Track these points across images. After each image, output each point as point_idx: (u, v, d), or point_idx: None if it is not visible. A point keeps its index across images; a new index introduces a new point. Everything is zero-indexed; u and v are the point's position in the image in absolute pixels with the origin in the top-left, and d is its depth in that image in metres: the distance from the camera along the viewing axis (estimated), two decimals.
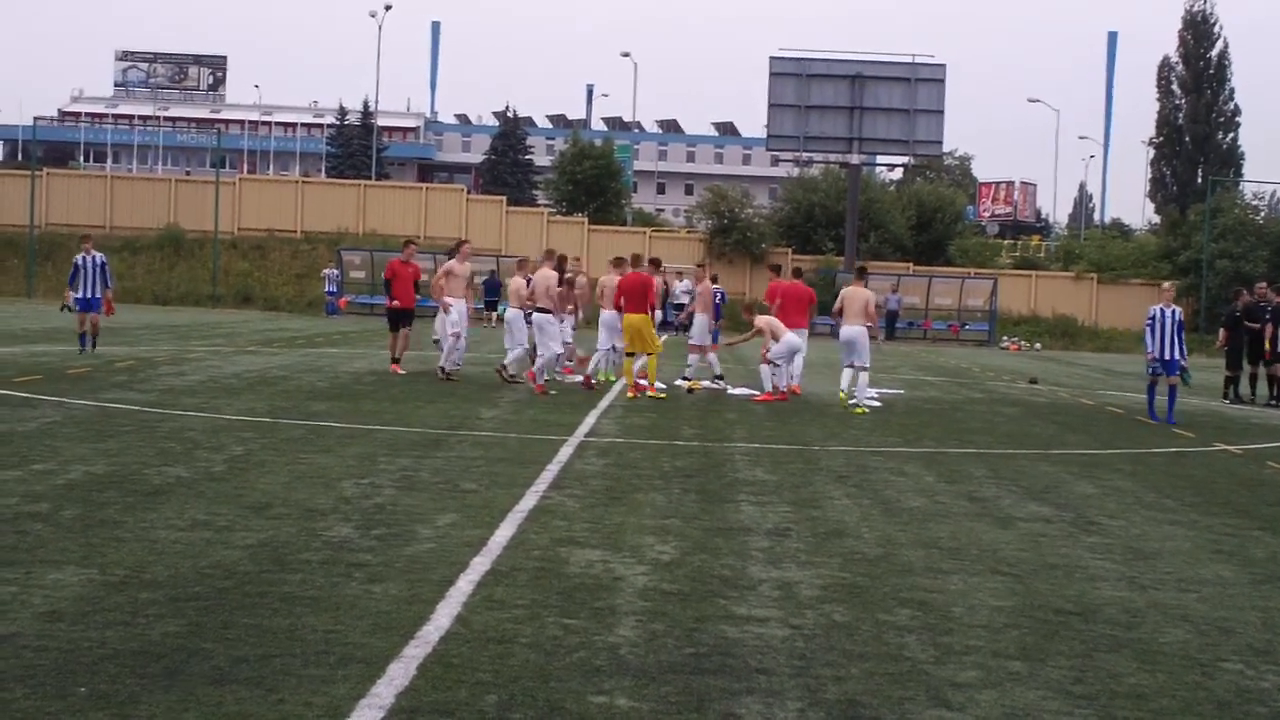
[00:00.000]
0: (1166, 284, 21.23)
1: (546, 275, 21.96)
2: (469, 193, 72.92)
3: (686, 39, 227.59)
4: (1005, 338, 58.80)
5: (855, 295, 21.12)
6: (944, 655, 6.77)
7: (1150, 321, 20.92)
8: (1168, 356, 20.66)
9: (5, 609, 6.79)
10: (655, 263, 24.99)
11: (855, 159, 61.08)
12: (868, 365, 21.02)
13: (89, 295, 24.73)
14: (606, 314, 22.33)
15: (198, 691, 5.60)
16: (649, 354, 21.19)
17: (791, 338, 21.66)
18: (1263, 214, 67.03)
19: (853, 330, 20.91)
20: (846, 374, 21.08)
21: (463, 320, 22.75)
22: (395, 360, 23.81)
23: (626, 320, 21.18)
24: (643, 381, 21.15)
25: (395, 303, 23.96)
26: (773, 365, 21.87)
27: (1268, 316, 25.84)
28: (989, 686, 6.27)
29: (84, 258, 25.05)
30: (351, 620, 6.83)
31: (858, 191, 61.44)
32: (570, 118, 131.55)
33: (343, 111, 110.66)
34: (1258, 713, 6.14)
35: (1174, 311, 20.90)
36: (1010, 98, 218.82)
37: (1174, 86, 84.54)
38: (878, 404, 21.73)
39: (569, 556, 8.65)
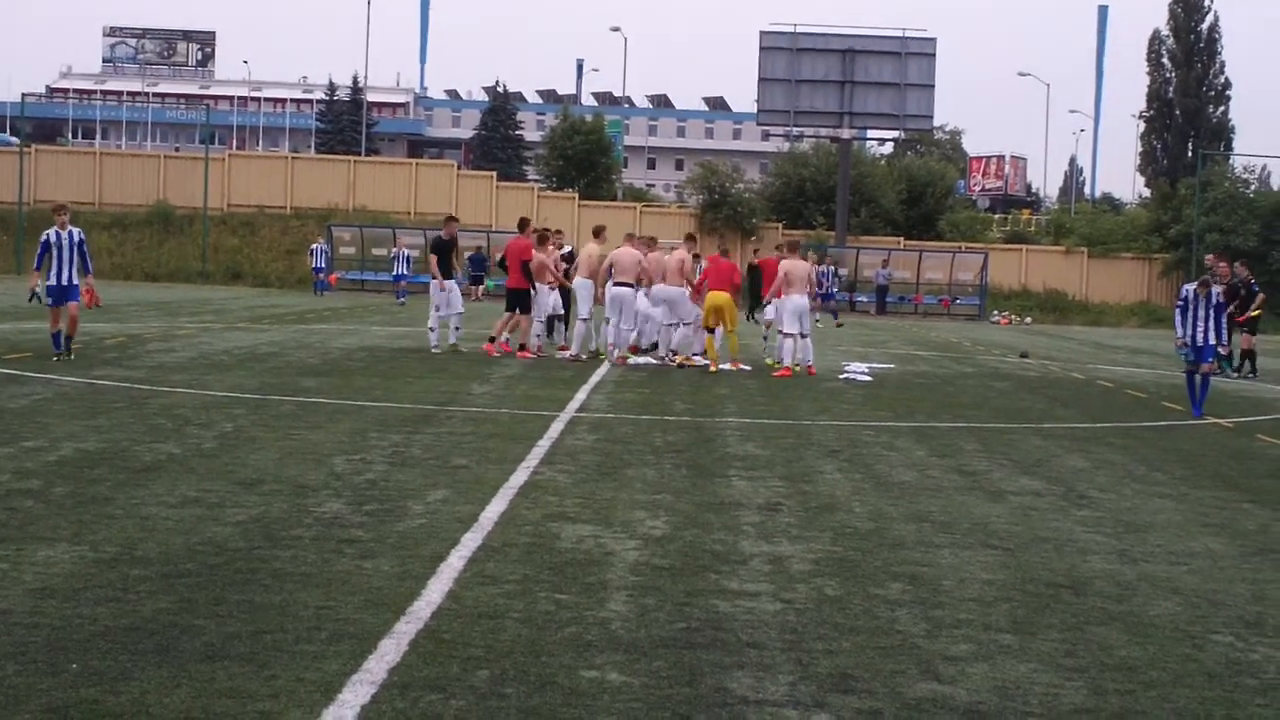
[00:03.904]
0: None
1: (629, 252, 22.62)
2: (459, 168, 72.74)
3: (677, 13, 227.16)
4: (996, 312, 58.86)
5: (798, 267, 22.44)
6: (935, 628, 6.79)
7: (1181, 303, 18.64)
8: (1201, 341, 18.26)
9: None
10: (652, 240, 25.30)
11: (846, 133, 61.08)
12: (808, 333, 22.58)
13: (63, 281, 18.81)
14: (615, 289, 22.43)
15: (189, 668, 5.60)
16: (730, 332, 22.39)
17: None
18: (1253, 187, 66.99)
19: (803, 300, 22.20)
20: (789, 342, 22.22)
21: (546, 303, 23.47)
22: (522, 347, 23.04)
23: (713, 298, 22.04)
24: (699, 359, 22.52)
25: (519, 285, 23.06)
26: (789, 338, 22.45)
27: (1242, 293, 26.26)
28: (980, 659, 6.29)
29: (56, 233, 18.84)
30: (343, 596, 6.83)
31: (848, 166, 61.43)
32: (560, 93, 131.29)
33: (332, 87, 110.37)
34: (1247, 684, 6.16)
35: (1212, 294, 18.42)
36: (1001, 71, 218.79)
37: (1164, 60, 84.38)
38: (869, 379, 21.76)
39: (560, 532, 8.65)
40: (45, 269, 18.91)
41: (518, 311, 23.01)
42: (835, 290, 48.03)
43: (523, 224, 24.12)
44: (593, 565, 7.78)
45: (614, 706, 5.38)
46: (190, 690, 5.33)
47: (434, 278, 23.39)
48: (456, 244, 24.07)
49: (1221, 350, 19.07)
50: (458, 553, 7.89)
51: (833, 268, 48.45)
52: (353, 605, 6.67)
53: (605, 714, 5.31)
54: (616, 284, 22.28)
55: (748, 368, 22.35)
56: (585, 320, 22.83)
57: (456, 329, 23.29)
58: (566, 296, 24.03)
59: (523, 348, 22.84)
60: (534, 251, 22.97)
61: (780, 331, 22.87)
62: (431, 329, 23.52)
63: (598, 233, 24.11)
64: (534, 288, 22.93)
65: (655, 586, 7.35)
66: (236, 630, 6.16)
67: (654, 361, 22.68)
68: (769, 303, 24.51)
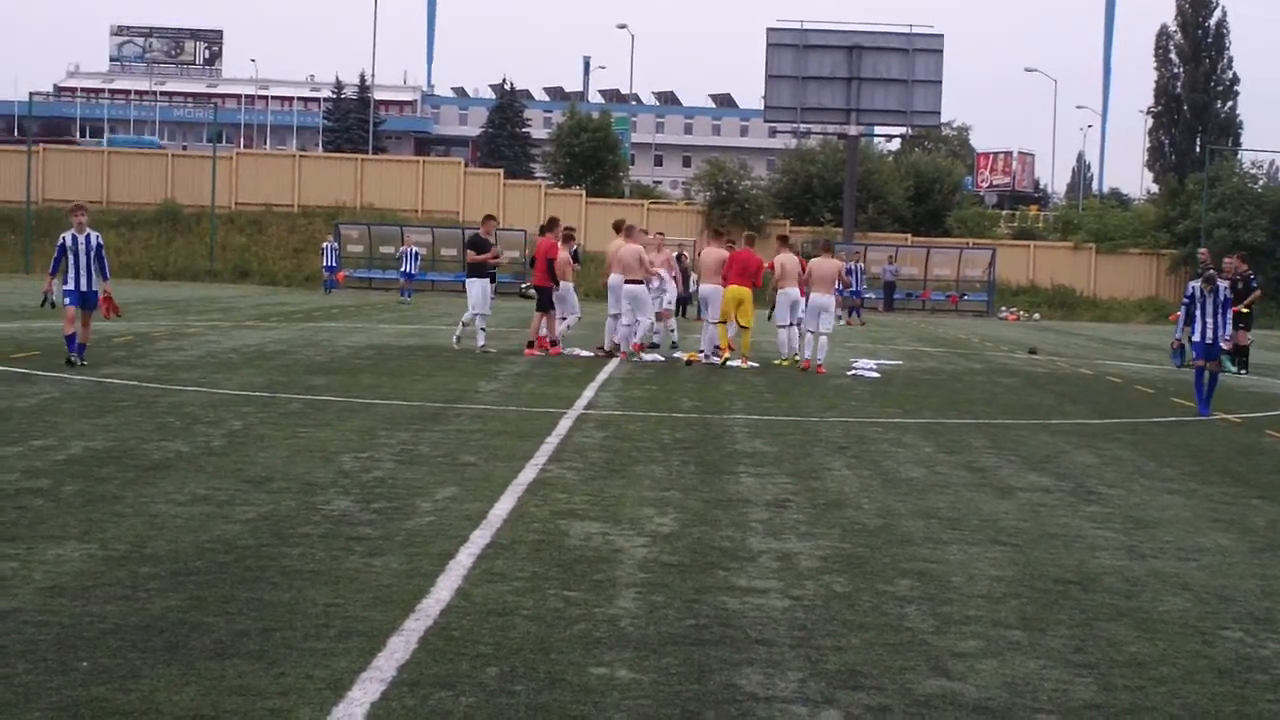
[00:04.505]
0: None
1: (633, 248, 22.76)
2: (466, 166, 72.78)
3: (683, 10, 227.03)
4: (1004, 308, 58.85)
5: (826, 266, 22.83)
6: (944, 625, 6.78)
7: (1187, 300, 18.16)
8: (1210, 338, 17.73)
9: (7, 584, 6.79)
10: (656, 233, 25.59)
11: (853, 130, 61.05)
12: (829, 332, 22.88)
13: (83, 287, 17.84)
14: (630, 287, 22.61)
15: (198, 665, 5.61)
16: (743, 327, 22.44)
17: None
18: (1261, 183, 66.95)
19: (826, 299, 22.61)
20: (797, 334, 23.05)
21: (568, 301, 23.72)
22: (554, 342, 23.24)
23: (734, 292, 22.21)
24: (706, 357, 22.58)
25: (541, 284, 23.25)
26: (784, 329, 23.21)
27: (1239, 286, 26.19)
28: (989, 656, 6.28)
29: (73, 236, 17.92)
30: (352, 594, 6.83)
31: (856, 163, 61.42)
32: (567, 90, 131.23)
33: (339, 85, 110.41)
34: (1258, 680, 6.15)
35: (1219, 289, 17.90)
36: (1008, 67, 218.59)
37: (1172, 55, 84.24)
38: (877, 375, 21.75)
39: (569, 529, 8.65)
40: (61, 273, 17.95)
41: (547, 308, 23.20)
42: (864, 288, 47.32)
43: (552, 223, 24.23)
44: (601, 562, 7.78)
45: (623, 703, 5.39)
46: (200, 688, 5.34)
47: (470, 276, 23.32)
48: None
49: (1225, 345, 18.48)
50: (466, 550, 7.89)
51: (860, 265, 47.72)
52: (362, 603, 6.67)
53: (614, 711, 5.31)
54: (628, 281, 22.43)
55: (756, 364, 22.36)
56: (615, 317, 23.04)
57: (482, 329, 23.12)
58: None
59: (530, 345, 22.90)
60: (559, 250, 23.15)
61: (780, 325, 23.59)
62: (464, 324, 23.49)
63: (618, 228, 24.10)
64: (557, 284, 23.08)
65: (664, 583, 7.34)
66: (246, 628, 6.17)
67: (660, 359, 22.77)
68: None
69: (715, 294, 22.62)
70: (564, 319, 23.75)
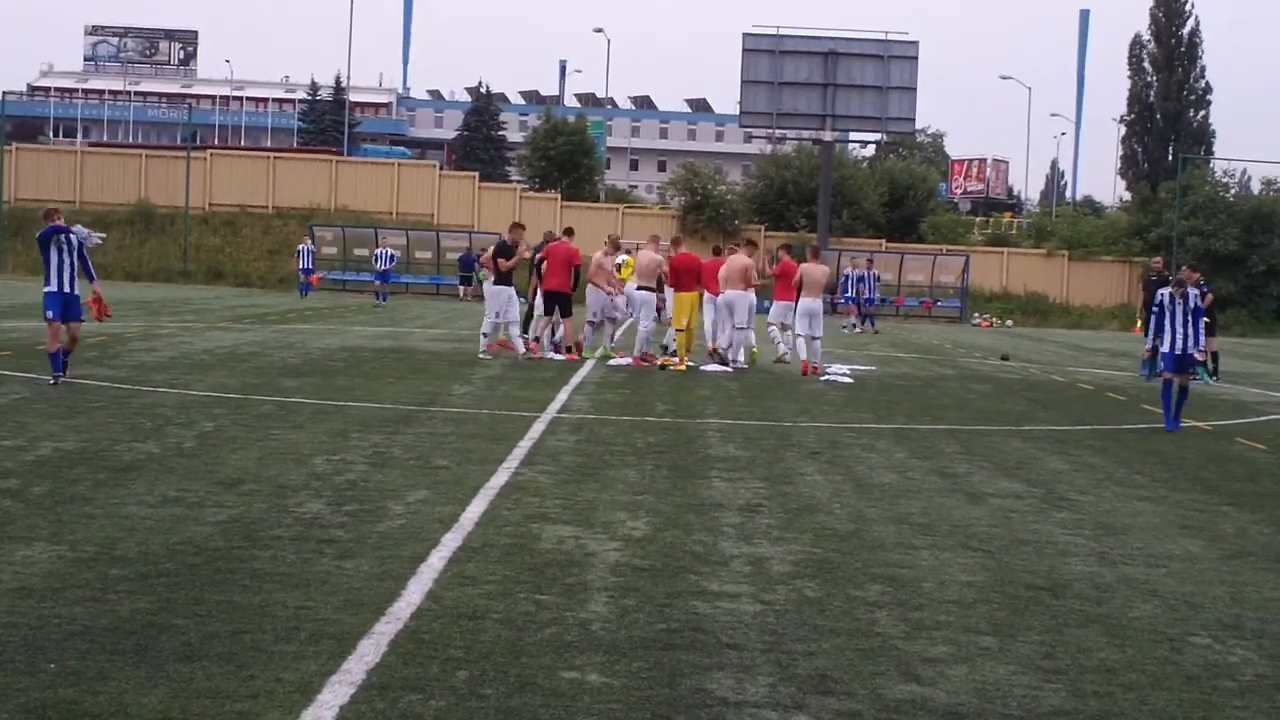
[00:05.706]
0: (1185, 267, 18.92)
1: (650, 255, 23.17)
2: (441, 169, 72.64)
3: (660, 15, 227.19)
4: (977, 314, 58.94)
5: (814, 270, 23.25)
6: (915, 630, 6.80)
7: (1156, 309, 17.61)
8: (1178, 350, 17.13)
9: None
10: (751, 243, 25.72)
11: (828, 136, 61.11)
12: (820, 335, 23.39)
13: (65, 289, 16.16)
14: (640, 293, 23.13)
15: (168, 668, 5.58)
16: (684, 329, 22.67)
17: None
18: (1233, 191, 67.22)
19: (814, 304, 22.92)
20: (801, 344, 23.23)
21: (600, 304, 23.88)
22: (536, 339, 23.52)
23: (684, 298, 22.46)
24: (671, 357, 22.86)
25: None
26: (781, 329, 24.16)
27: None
28: (959, 661, 6.30)
29: (55, 229, 16.27)
30: (322, 596, 6.82)
31: (831, 168, 61.49)
32: (543, 94, 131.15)
33: (315, 87, 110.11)
34: (1226, 686, 6.18)
35: (1189, 296, 17.36)
36: (982, 75, 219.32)
37: (1145, 64, 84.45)
38: (850, 381, 21.79)
39: (541, 532, 8.65)
40: (49, 277, 16.20)
41: (558, 313, 23.30)
42: (876, 296, 46.23)
43: (569, 232, 24.50)
44: (573, 566, 7.77)
45: (593, 707, 5.38)
46: (168, 690, 5.32)
47: (497, 284, 23.14)
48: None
49: (1199, 356, 18.10)
50: (438, 553, 7.88)
51: (875, 272, 46.43)
52: (332, 605, 6.65)
53: (584, 715, 5.30)
54: (639, 288, 22.79)
55: (730, 369, 22.39)
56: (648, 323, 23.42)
57: (485, 334, 23.11)
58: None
59: (570, 349, 23.27)
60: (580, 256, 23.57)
61: (789, 329, 24.08)
62: (519, 336, 23.21)
63: (676, 241, 24.40)
64: (575, 288, 23.53)
65: (635, 588, 7.35)
66: (215, 630, 6.14)
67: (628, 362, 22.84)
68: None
69: (741, 299, 22.77)
70: (596, 319, 23.86)
